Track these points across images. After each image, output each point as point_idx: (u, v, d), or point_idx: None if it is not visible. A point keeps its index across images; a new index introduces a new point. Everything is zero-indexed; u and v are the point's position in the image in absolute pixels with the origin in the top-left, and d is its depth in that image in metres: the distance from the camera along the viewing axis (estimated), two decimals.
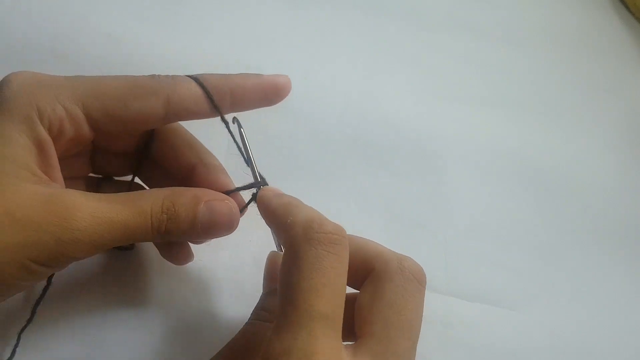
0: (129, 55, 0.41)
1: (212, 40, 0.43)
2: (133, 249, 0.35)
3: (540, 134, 0.45)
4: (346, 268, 0.25)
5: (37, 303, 0.30)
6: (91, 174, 0.33)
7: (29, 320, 0.30)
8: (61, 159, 0.28)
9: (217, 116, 0.29)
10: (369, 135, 0.42)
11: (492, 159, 0.43)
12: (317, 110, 0.42)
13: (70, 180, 0.29)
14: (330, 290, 0.23)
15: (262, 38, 0.44)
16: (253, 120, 0.41)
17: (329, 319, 0.23)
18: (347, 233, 0.30)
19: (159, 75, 0.28)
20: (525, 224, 0.42)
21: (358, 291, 0.27)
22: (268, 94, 0.30)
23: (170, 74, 0.29)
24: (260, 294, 0.31)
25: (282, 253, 0.27)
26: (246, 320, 0.31)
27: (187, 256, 0.33)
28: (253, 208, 0.30)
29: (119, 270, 0.34)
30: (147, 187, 0.33)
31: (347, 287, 0.25)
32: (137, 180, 0.33)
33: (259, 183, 0.30)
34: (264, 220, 0.29)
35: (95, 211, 0.25)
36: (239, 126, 0.31)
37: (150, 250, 0.35)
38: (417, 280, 0.27)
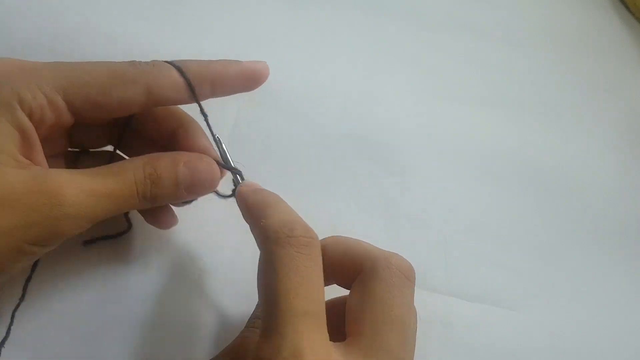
0: (129, 55, 0.40)
1: (212, 40, 0.43)
2: (130, 229, 0.35)
3: (540, 134, 0.45)
4: (320, 266, 0.25)
5: (28, 281, 0.31)
6: (69, 149, 0.33)
7: (21, 299, 0.31)
8: (41, 140, 0.28)
9: (195, 102, 0.30)
10: (368, 135, 0.42)
11: (492, 159, 0.43)
12: (317, 110, 0.42)
13: (51, 159, 0.30)
14: (307, 288, 0.24)
15: (262, 38, 0.44)
16: (253, 120, 0.41)
17: (311, 315, 0.24)
18: (346, 233, 0.30)
19: (139, 62, 0.29)
20: (525, 224, 0.42)
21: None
22: (247, 80, 0.31)
23: (150, 60, 0.29)
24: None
25: None
26: (246, 320, 0.31)
27: (171, 220, 0.34)
28: None
29: (119, 270, 0.34)
30: (127, 158, 0.33)
31: (343, 290, 0.25)
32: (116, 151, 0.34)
33: (238, 171, 0.31)
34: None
35: (81, 186, 0.26)
36: (220, 142, 0.32)
37: (150, 250, 0.35)
38: (405, 276, 0.27)
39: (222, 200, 0.33)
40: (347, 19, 0.47)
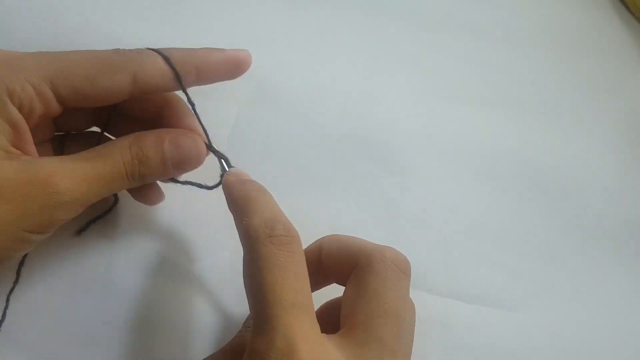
0: None
1: (212, 40, 0.43)
2: (118, 203, 0.35)
3: (540, 134, 0.45)
4: (303, 262, 0.26)
5: (21, 264, 0.31)
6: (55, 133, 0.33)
7: (15, 282, 0.31)
8: (31, 130, 0.28)
9: (180, 90, 0.30)
10: (368, 135, 0.42)
11: (492, 159, 0.43)
12: (317, 110, 0.42)
13: (38, 146, 0.30)
14: (292, 282, 0.24)
15: (262, 38, 0.44)
16: (253, 120, 0.41)
17: (300, 307, 0.24)
18: (345, 233, 0.31)
19: (123, 50, 0.29)
20: (525, 224, 0.42)
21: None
22: (230, 67, 0.31)
23: (135, 48, 0.29)
24: None
25: None
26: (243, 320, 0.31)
27: (158, 196, 0.34)
28: None
29: (119, 268, 0.34)
30: (113, 139, 0.34)
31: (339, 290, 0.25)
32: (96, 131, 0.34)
33: (224, 157, 0.31)
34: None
35: (71, 171, 0.27)
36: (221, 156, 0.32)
37: (150, 250, 0.35)
38: (400, 269, 0.27)
39: (222, 201, 0.33)
40: (347, 19, 0.47)
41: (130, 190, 0.34)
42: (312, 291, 0.26)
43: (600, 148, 0.46)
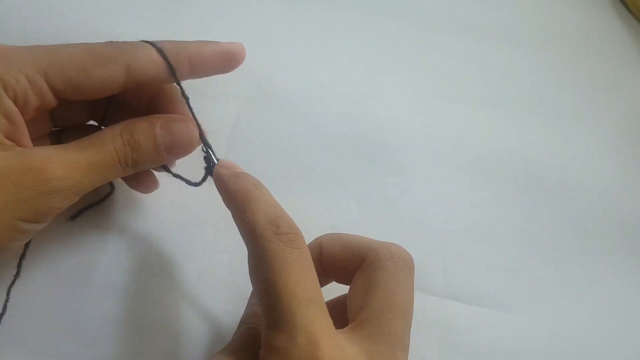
0: None
1: (212, 40, 0.43)
2: (113, 192, 0.35)
3: (540, 134, 0.45)
4: (310, 258, 0.26)
5: (22, 258, 0.31)
6: (52, 129, 0.33)
7: (16, 276, 0.31)
8: (26, 123, 0.28)
9: (174, 82, 0.30)
10: (368, 135, 0.42)
11: (492, 159, 0.43)
12: (317, 110, 0.42)
13: (36, 141, 0.30)
14: (305, 278, 0.25)
15: (262, 38, 0.44)
16: (253, 120, 0.41)
17: (314, 302, 0.24)
18: (344, 232, 0.31)
19: (117, 42, 0.29)
20: (525, 224, 0.42)
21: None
22: (224, 61, 0.31)
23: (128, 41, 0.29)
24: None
25: None
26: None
27: (152, 183, 0.34)
28: None
29: (119, 268, 0.34)
30: None
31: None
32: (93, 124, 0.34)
33: (209, 145, 0.31)
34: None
35: (64, 160, 0.27)
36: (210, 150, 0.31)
37: (149, 250, 0.35)
38: (407, 265, 0.28)
39: (220, 200, 0.33)
40: (347, 19, 0.47)
41: (124, 177, 0.34)
42: None
43: (600, 148, 0.46)
